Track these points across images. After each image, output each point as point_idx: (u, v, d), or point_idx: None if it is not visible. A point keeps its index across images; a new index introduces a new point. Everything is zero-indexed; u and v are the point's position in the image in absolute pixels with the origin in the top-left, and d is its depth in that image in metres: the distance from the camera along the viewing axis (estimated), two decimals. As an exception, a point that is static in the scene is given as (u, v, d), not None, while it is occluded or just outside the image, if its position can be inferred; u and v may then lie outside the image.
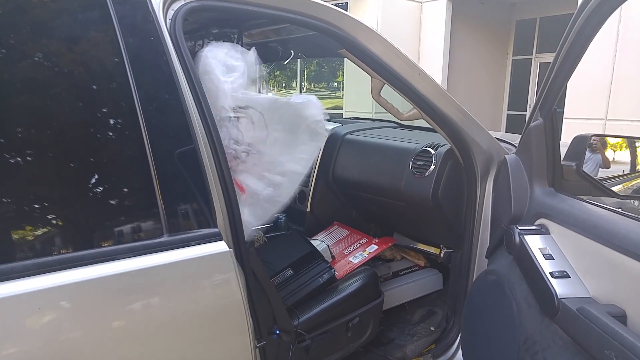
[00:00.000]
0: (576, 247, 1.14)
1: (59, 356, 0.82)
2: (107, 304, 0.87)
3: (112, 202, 0.94)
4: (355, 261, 1.74)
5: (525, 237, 1.23)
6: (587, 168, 1.32)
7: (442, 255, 1.92)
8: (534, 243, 1.21)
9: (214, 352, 1.02)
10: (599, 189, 1.32)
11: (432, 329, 1.84)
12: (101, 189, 0.93)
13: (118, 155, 0.97)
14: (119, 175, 0.96)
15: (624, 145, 1.58)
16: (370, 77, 1.46)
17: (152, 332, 0.92)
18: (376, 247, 1.82)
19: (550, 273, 1.13)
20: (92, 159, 0.93)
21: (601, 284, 1.05)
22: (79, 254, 0.85)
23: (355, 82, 8.64)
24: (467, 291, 1.66)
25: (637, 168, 1.52)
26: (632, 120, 7.28)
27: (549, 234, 1.24)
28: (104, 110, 0.96)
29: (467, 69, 9.18)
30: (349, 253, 1.80)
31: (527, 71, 9.47)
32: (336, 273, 1.64)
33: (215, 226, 1.01)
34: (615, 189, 1.44)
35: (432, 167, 1.67)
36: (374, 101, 1.50)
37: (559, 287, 1.09)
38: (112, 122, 0.96)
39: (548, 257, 1.17)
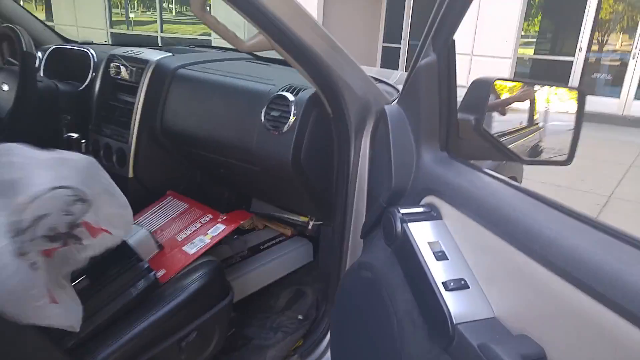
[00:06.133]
0: (475, 241, 0.80)
1: None
2: None
3: None
4: (192, 251, 1.26)
5: (410, 225, 0.86)
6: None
7: (310, 227, 1.55)
8: (422, 234, 0.85)
9: None
10: (502, 152, 1.00)
11: (300, 317, 1.50)
12: None
13: None
14: None
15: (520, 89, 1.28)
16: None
17: None
18: (223, 226, 1.35)
19: (443, 283, 0.78)
20: None
21: (509, 300, 0.73)
22: None
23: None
24: (339, 274, 1.31)
25: (534, 119, 1.23)
26: (494, 57, 7.66)
27: (441, 219, 0.88)
28: None
29: (342, -4, 8.71)
30: (183, 239, 1.31)
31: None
32: (161, 273, 1.17)
33: None
34: (512, 146, 1.15)
35: (292, 118, 1.21)
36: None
37: (455, 305, 0.75)
38: None
39: (440, 256, 0.82)
